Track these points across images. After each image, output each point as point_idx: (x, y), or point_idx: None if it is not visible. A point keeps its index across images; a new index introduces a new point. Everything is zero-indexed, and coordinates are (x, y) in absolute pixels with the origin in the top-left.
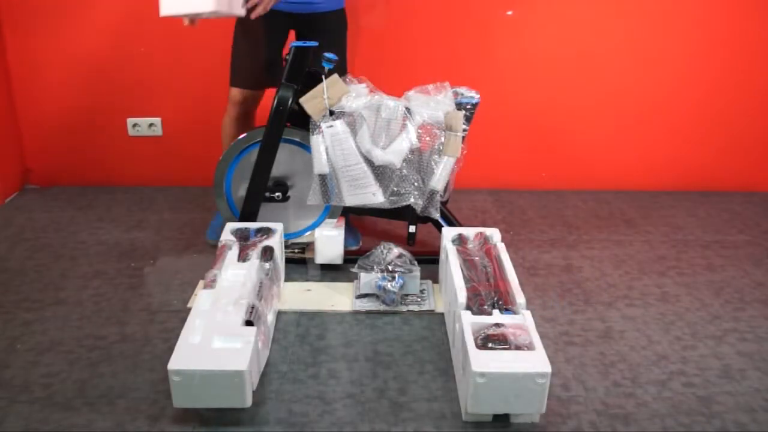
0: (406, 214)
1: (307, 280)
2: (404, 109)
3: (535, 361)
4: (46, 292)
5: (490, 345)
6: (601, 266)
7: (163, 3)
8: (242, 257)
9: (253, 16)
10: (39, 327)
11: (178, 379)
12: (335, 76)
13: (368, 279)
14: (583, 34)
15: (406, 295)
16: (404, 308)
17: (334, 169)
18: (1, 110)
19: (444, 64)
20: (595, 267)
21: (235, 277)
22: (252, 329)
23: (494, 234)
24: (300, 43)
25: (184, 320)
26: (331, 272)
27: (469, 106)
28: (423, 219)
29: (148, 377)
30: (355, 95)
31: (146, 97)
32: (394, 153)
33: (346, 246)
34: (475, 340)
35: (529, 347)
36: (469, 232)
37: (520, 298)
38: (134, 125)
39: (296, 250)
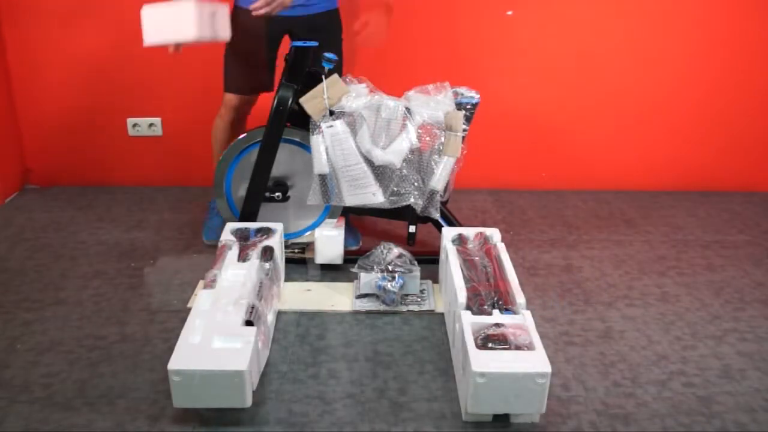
0: (406, 214)
1: (307, 280)
2: (404, 109)
3: (535, 361)
4: (46, 292)
5: (490, 345)
6: (601, 266)
7: (146, 33)
8: (242, 257)
9: (255, 13)
10: (39, 327)
11: (178, 379)
12: (335, 76)
13: (368, 279)
14: (583, 34)
15: (406, 295)
16: (404, 308)
17: (334, 169)
18: (1, 110)
19: (444, 64)
20: (595, 267)
21: (235, 277)
22: (252, 329)
23: (494, 234)
24: (300, 43)
25: (184, 320)
26: (331, 272)
27: (469, 106)
28: (423, 219)
29: (148, 377)
30: (355, 95)
31: (146, 97)
32: (394, 153)
33: (346, 246)
34: (475, 340)
35: (529, 347)
36: (469, 232)
37: (520, 298)
38: (134, 125)
39: (296, 250)
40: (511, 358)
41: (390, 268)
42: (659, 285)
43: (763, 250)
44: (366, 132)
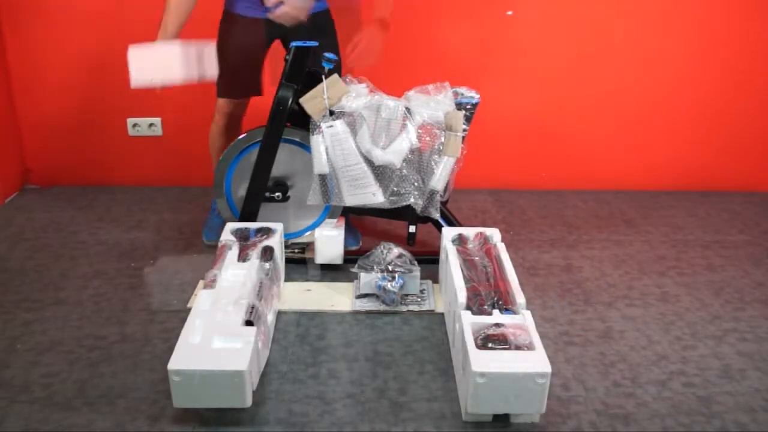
0: (406, 214)
1: (307, 280)
2: (404, 109)
3: (535, 361)
4: (46, 292)
5: (490, 345)
6: (601, 266)
7: (132, 75)
8: (242, 257)
9: (272, 16)
10: (39, 327)
11: (178, 379)
12: (335, 76)
13: (368, 279)
14: (583, 34)
15: (406, 295)
16: (404, 308)
17: (334, 169)
18: (1, 110)
19: (444, 64)
20: (595, 267)
21: (235, 277)
22: (252, 329)
23: (494, 234)
24: (300, 43)
25: (184, 320)
26: (331, 272)
27: (469, 106)
28: (423, 219)
29: (148, 377)
30: (355, 95)
31: (146, 97)
32: (394, 153)
33: (346, 246)
34: (475, 340)
35: (529, 347)
36: (469, 232)
37: (520, 298)
38: (134, 125)
39: (296, 250)
40: (511, 358)
41: (390, 268)
42: (659, 285)
43: (763, 250)
44: (366, 132)
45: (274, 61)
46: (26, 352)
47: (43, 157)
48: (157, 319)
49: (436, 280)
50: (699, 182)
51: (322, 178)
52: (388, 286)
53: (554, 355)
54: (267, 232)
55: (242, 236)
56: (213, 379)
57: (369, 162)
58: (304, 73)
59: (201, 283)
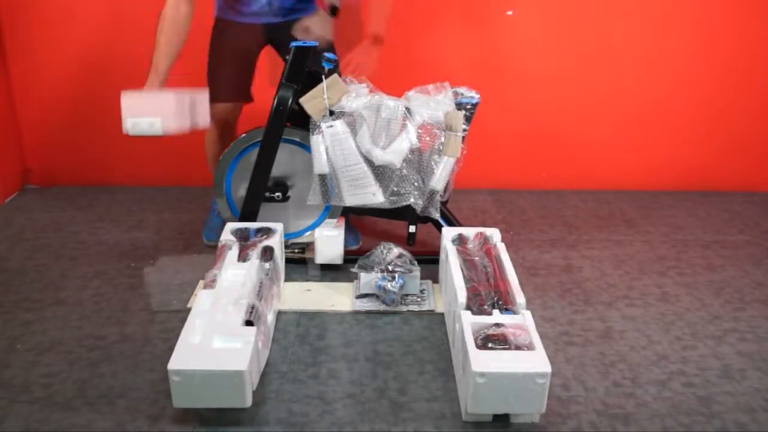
0: (406, 214)
1: (307, 280)
2: (404, 109)
3: (535, 361)
4: (46, 292)
5: (490, 345)
6: (601, 266)
7: (125, 122)
8: (242, 257)
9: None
10: (39, 327)
11: (178, 379)
12: (335, 76)
13: (368, 279)
14: (583, 34)
15: (406, 295)
16: (404, 308)
17: (334, 169)
18: (1, 110)
19: (444, 64)
20: (595, 267)
21: (235, 277)
22: (252, 329)
23: (494, 234)
24: (300, 43)
25: (184, 320)
26: (331, 272)
27: (469, 106)
28: (423, 219)
29: (148, 377)
30: (355, 95)
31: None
32: (394, 153)
33: (346, 246)
34: (475, 340)
35: (529, 347)
36: (469, 232)
37: (520, 298)
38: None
39: (296, 250)
40: (511, 358)
41: (390, 268)
42: (659, 285)
43: (763, 250)
44: (366, 132)
45: (274, 61)
46: (26, 352)
47: (43, 157)
48: (157, 319)
49: (436, 280)
50: (699, 182)
51: (322, 178)
52: (388, 286)
53: (554, 355)
54: (267, 232)
55: (242, 236)
56: (213, 379)
57: (369, 162)
58: (304, 73)
59: (201, 283)
